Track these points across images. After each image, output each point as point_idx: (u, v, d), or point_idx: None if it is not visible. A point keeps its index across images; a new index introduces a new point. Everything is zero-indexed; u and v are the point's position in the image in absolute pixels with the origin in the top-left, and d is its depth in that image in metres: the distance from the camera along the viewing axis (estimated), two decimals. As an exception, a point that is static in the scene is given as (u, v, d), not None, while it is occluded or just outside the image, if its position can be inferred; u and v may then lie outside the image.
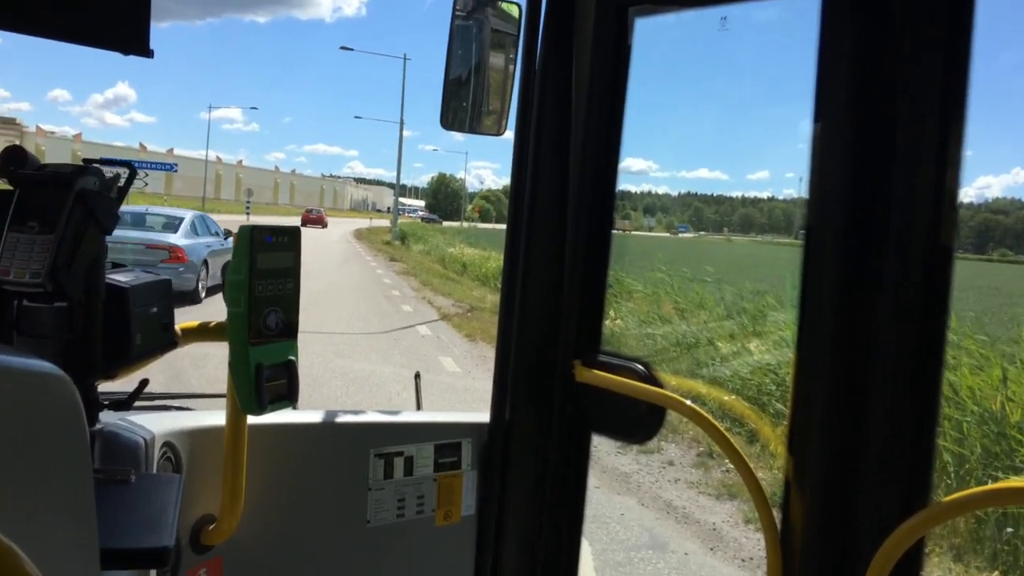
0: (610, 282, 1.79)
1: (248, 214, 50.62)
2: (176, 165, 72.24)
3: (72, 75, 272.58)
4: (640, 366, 1.62)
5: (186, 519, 1.54)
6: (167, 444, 1.50)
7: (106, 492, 1.18)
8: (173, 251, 14.39)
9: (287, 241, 1.35)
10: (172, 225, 15.86)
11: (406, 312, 16.11)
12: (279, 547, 1.69)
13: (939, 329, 1.15)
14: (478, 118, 1.84)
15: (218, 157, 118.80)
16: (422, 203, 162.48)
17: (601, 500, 6.03)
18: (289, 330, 1.36)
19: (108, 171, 1.30)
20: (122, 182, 1.32)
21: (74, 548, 0.84)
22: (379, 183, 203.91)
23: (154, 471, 1.43)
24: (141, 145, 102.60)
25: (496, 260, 24.19)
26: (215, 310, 8.20)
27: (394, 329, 13.54)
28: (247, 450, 1.50)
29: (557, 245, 1.72)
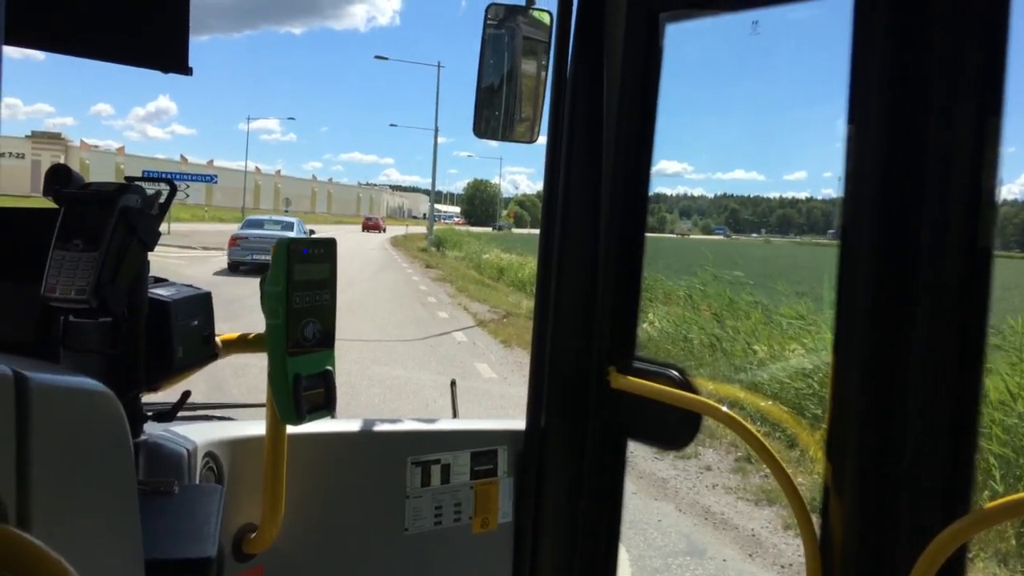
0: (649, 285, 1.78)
1: (286, 223, 51.05)
2: (216, 176, 73.26)
3: (114, 89, 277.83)
4: (675, 372, 1.61)
5: (228, 528, 1.56)
6: (209, 454, 1.53)
7: (150, 503, 1.21)
8: None
9: (323, 253, 1.36)
10: (288, 227, 26.27)
11: (442, 319, 16.14)
12: (319, 555, 1.71)
13: (979, 330, 1.13)
14: (510, 126, 1.85)
15: (257, 167, 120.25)
16: (457, 209, 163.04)
17: (638, 506, 5.97)
18: (326, 340, 1.38)
19: (149, 188, 1.33)
20: (163, 199, 1.34)
21: (120, 560, 0.85)
22: (415, 190, 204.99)
23: (197, 481, 1.45)
24: (182, 157, 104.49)
25: (532, 265, 24.19)
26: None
27: (430, 336, 13.59)
28: (287, 459, 1.52)
29: (591, 251, 1.72)
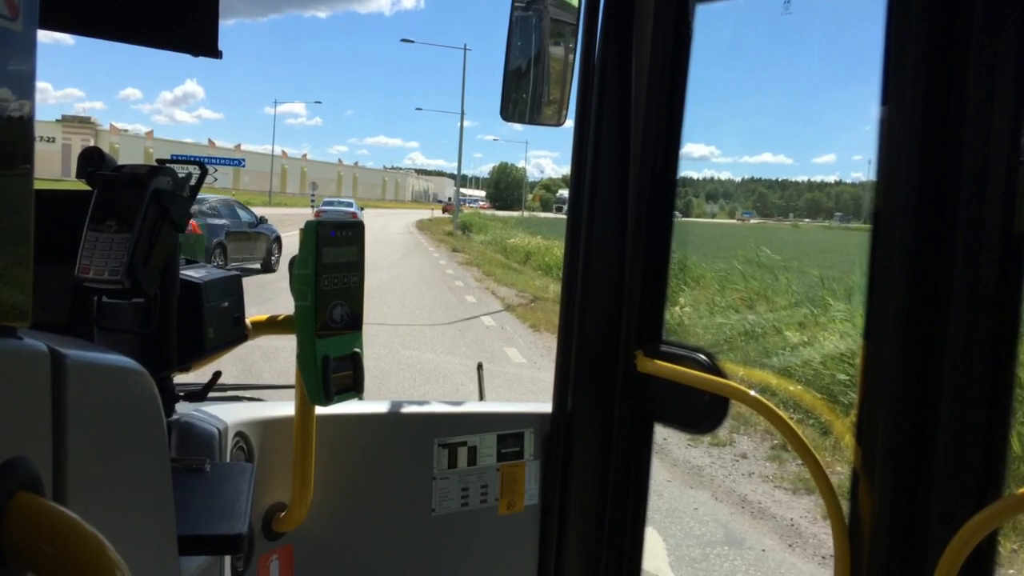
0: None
1: (313, 206, 51.41)
2: (244, 160, 73.64)
3: (142, 74, 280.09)
4: (703, 356, 1.60)
5: (258, 507, 1.58)
6: (239, 434, 1.55)
7: (182, 480, 1.23)
8: (355, 216, 32.03)
9: (351, 235, 1.37)
10: (348, 205, 41.42)
11: (470, 303, 16.11)
12: (347, 535, 1.73)
13: (1014, 316, 1.11)
14: (538, 109, 1.84)
15: (283, 151, 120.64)
16: (482, 193, 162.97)
17: (674, 494, 5.85)
18: (354, 323, 1.39)
19: (181, 170, 1.34)
20: (194, 181, 1.35)
21: (153, 535, 0.87)
22: (440, 174, 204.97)
23: (227, 460, 1.47)
24: (210, 141, 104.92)
25: (558, 249, 24.11)
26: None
27: (459, 320, 13.58)
28: (315, 440, 1.54)
29: (618, 235, 1.71)
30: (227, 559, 1.39)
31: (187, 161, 1.40)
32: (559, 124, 1.86)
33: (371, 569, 1.77)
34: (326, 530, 1.69)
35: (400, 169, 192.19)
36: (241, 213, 19.16)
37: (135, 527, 0.81)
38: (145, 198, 1.24)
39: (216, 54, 1.53)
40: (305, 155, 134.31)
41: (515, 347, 11.33)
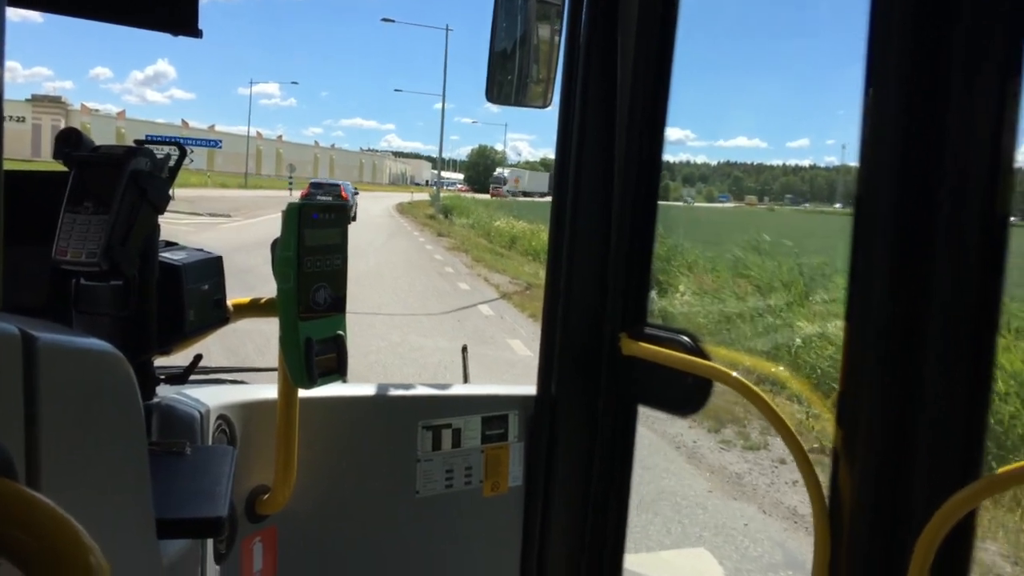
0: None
1: (291, 189, 50.96)
2: (220, 141, 72.76)
3: (112, 52, 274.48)
4: (687, 338, 1.61)
5: (241, 489, 1.58)
6: (222, 417, 1.54)
7: (162, 464, 1.21)
8: (345, 196, 38.03)
9: (334, 218, 1.36)
10: (347, 187, 41.97)
11: (463, 290, 15.80)
12: (331, 517, 1.73)
13: (994, 298, 1.12)
14: (524, 91, 1.82)
15: (258, 133, 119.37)
16: (460, 176, 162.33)
17: (719, 507, 5.49)
18: (337, 305, 1.38)
19: (158, 151, 1.32)
20: (172, 162, 1.34)
21: (130, 519, 0.86)
22: (417, 156, 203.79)
23: (210, 443, 1.46)
24: (183, 122, 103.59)
25: (544, 233, 23.88)
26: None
27: (456, 309, 13.23)
28: (299, 422, 1.53)
29: (603, 217, 1.71)
30: (209, 542, 1.38)
31: (165, 142, 1.39)
32: (545, 106, 1.85)
33: (355, 551, 1.77)
34: (310, 512, 1.69)
35: (377, 151, 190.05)
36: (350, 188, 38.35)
37: (111, 511, 0.80)
38: (123, 179, 1.22)
39: (196, 33, 1.51)
40: (280, 136, 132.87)
41: (519, 338, 10.99)
